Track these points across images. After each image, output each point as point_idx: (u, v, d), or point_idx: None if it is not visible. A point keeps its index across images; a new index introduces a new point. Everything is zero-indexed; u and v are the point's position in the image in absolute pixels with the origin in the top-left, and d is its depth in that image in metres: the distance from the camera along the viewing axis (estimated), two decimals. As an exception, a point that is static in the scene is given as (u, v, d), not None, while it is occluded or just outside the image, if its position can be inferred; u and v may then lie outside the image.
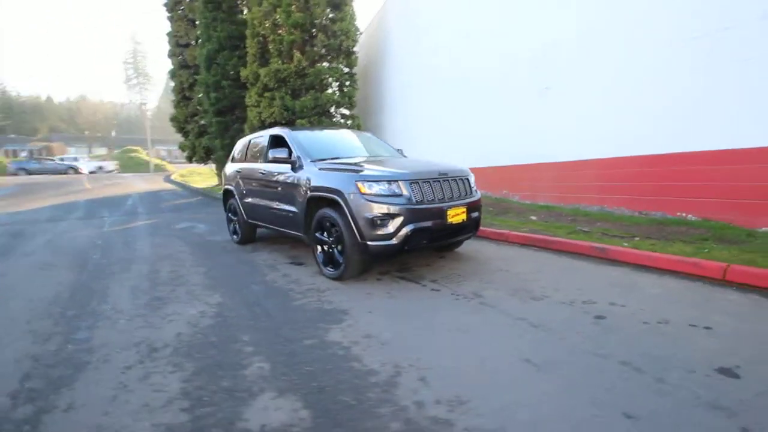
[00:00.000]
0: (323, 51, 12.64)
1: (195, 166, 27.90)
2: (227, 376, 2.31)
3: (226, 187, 6.53)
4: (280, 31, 12.86)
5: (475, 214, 4.29)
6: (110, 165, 34.71)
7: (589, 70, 6.68)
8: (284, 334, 2.86)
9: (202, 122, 18.06)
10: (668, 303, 3.15)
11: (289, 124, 12.63)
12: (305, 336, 2.82)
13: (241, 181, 5.96)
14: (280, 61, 12.59)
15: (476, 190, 4.49)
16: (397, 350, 2.56)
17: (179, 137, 19.41)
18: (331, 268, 4.14)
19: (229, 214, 6.55)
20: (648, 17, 5.80)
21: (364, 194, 3.74)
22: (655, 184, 5.83)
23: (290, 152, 4.77)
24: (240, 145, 6.47)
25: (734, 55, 4.90)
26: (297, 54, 12.42)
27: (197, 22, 16.24)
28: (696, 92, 5.28)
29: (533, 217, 6.68)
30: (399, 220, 3.71)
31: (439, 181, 4.03)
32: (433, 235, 3.94)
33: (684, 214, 5.44)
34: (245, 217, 5.96)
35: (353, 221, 3.76)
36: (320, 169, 4.31)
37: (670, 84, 5.56)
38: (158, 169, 37.00)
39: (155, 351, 2.66)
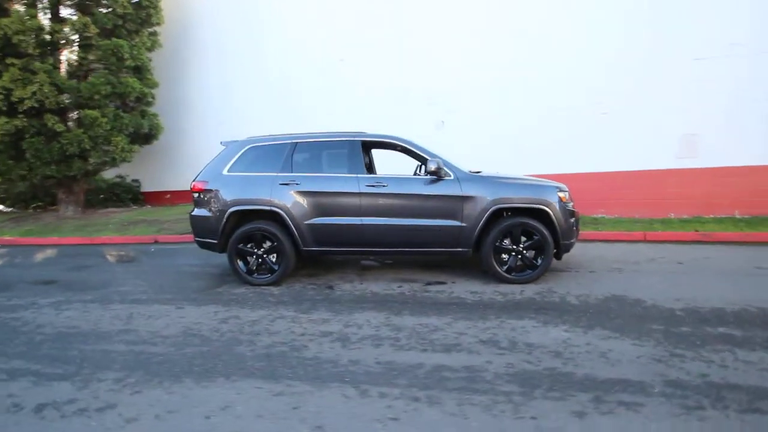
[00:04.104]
0: (120, 21, 9.12)
1: None
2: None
3: (241, 207, 4.47)
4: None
5: None
6: None
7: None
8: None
9: None
10: (683, 252, 5.69)
11: (65, 111, 8.40)
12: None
13: (302, 197, 4.41)
14: (36, 12, 8.14)
15: None
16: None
17: None
18: (522, 273, 4.37)
19: (240, 246, 4.51)
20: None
21: (564, 202, 4.38)
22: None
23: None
24: (260, 150, 4.67)
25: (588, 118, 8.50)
26: (79, 15, 8.49)
27: None
28: (564, 136, 8.61)
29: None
30: (577, 221, 4.63)
31: None
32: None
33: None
34: (304, 245, 4.45)
35: (559, 225, 4.31)
36: (498, 181, 4.38)
37: (539, 135, 8.72)
38: None
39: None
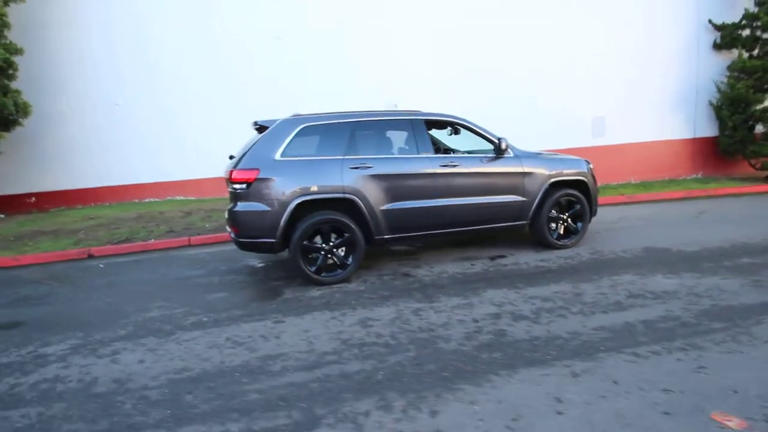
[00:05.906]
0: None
1: None
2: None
3: (311, 197, 3.82)
4: None
5: None
6: None
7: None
8: None
9: None
10: (631, 211, 7.07)
11: None
12: None
13: (376, 181, 4.01)
14: None
15: None
16: None
17: None
18: (567, 239, 4.86)
19: (306, 242, 3.87)
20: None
21: (593, 173, 5.02)
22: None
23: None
24: (316, 129, 4.10)
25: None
26: None
27: None
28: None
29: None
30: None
31: None
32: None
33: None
34: (377, 233, 4.11)
35: (593, 194, 4.94)
36: (548, 157, 4.78)
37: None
38: None
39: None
